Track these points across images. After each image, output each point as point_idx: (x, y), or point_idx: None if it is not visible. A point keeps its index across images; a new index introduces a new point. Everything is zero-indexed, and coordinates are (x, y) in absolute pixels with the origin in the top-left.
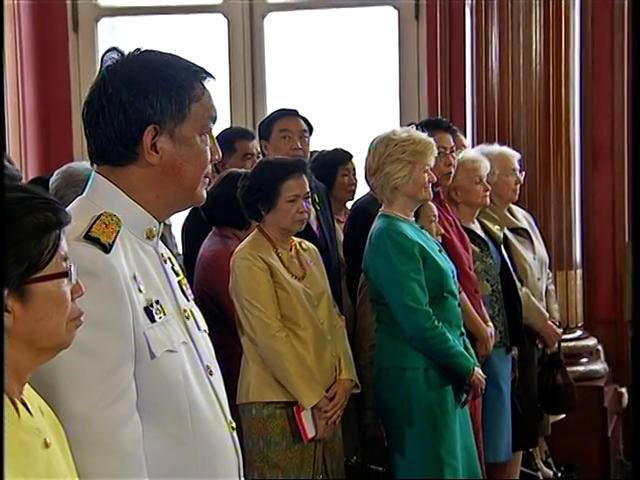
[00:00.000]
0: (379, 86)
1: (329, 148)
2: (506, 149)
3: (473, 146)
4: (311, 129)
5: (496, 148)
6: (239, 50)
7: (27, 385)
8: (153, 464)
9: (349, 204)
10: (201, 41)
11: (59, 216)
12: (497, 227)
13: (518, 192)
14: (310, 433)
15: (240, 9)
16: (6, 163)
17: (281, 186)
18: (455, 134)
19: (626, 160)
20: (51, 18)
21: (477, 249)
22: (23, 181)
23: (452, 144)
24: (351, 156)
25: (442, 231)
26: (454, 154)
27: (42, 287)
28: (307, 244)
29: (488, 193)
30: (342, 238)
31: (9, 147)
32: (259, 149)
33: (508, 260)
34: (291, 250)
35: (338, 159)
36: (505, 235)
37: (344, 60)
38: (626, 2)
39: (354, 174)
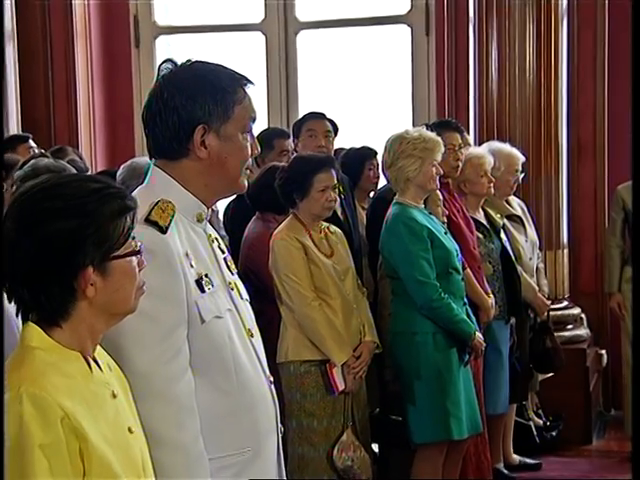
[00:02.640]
0: (394, 92)
1: (357, 145)
2: (515, 151)
3: (475, 143)
4: (336, 130)
5: (506, 147)
6: (275, 61)
7: (98, 346)
8: (204, 412)
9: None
10: (243, 54)
11: (129, 203)
12: (499, 215)
13: (514, 190)
14: (340, 386)
15: (276, 27)
16: (75, 158)
17: (313, 178)
18: (462, 133)
19: (606, 156)
20: (117, 36)
21: (481, 235)
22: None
23: (460, 142)
24: (376, 153)
25: (447, 213)
26: (462, 150)
27: (119, 263)
28: (334, 228)
29: (492, 185)
30: (365, 222)
31: (81, 146)
32: (294, 146)
33: (508, 244)
34: (321, 232)
35: (365, 155)
36: (503, 222)
37: (365, 70)
38: (607, 22)
39: (378, 168)
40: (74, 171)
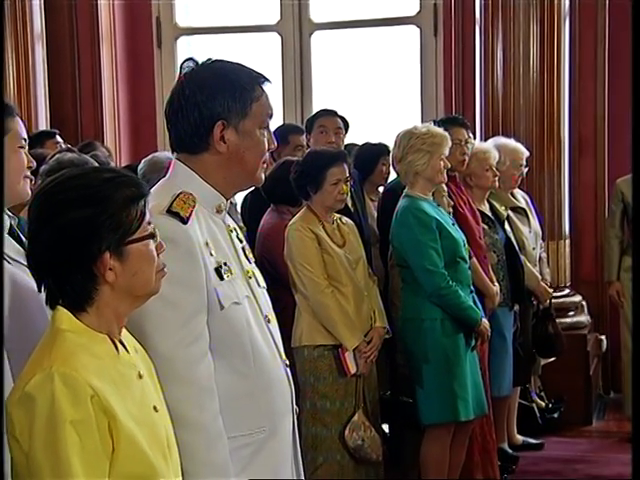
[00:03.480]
0: (404, 90)
1: (373, 141)
2: (520, 146)
3: (481, 139)
4: (347, 126)
5: (511, 143)
6: (290, 61)
7: (124, 330)
8: (223, 393)
9: (380, 188)
10: (260, 54)
11: (141, 189)
12: (503, 207)
13: (519, 183)
14: (352, 369)
15: (291, 28)
16: (97, 152)
17: (326, 172)
18: (468, 129)
19: (606, 151)
20: (140, 37)
21: (486, 226)
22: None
23: (466, 137)
24: (390, 150)
25: (452, 203)
26: (468, 145)
27: (135, 247)
28: (345, 219)
29: (497, 178)
30: (375, 214)
31: (106, 141)
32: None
33: (512, 235)
34: (333, 223)
35: (380, 151)
36: (508, 214)
37: (376, 68)
38: (607, 23)
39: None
40: (96, 164)
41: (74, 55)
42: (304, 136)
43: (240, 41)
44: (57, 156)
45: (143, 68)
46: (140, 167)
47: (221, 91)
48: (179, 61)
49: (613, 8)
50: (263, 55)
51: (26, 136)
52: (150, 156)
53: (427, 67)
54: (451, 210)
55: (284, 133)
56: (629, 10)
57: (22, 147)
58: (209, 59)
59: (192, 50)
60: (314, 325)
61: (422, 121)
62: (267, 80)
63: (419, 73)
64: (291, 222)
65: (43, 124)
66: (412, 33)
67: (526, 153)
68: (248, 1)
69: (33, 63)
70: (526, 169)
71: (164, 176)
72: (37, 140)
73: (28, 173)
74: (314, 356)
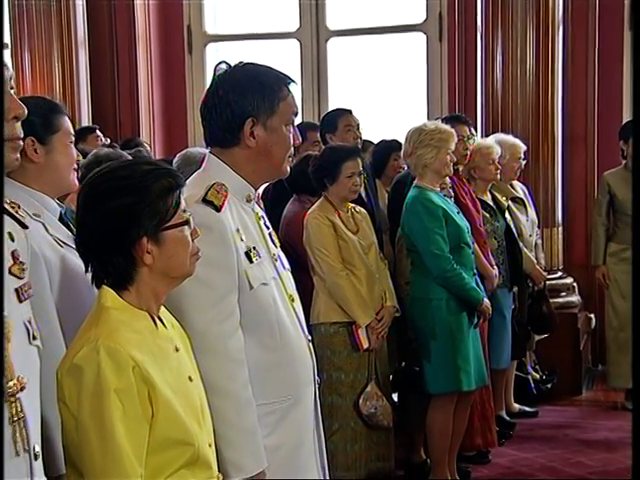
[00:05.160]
0: (412, 90)
1: (387, 138)
2: (518, 141)
3: (482, 135)
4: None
5: (511, 138)
6: (308, 65)
7: (162, 307)
8: (252, 365)
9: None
10: (281, 58)
11: (177, 180)
12: (504, 198)
13: (518, 175)
14: (365, 344)
15: (309, 35)
16: (140, 148)
17: (342, 165)
18: (470, 126)
19: (596, 146)
20: (172, 43)
21: (487, 215)
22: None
23: (468, 133)
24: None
25: (452, 194)
26: (470, 141)
27: (171, 233)
28: (359, 208)
29: (499, 171)
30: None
31: (142, 137)
32: (327, 139)
33: (511, 223)
34: (348, 212)
35: (393, 147)
36: (508, 204)
37: (386, 71)
38: (597, 32)
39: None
40: (129, 158)
41: (113, 60)
42: (319, 132)
43: (263, 47)
44: (94, 150)
45: (175, 71)
46: (175, 161)
47: (251, 91)
48: (208, 65)
49: (603, 10)
50: (284, 60)
51: (73, 132)
52: (184, 151)
53: (433, 70)
54: (452, 200)
55: (303, 130)
56: (615, 17)
57: (71, 142)
58: (240, 62)
59: (220, 55)
60: (330, 304)
61: (428, 119)
62: (293, 81)
63: (425, 75)
64: (309, 211)
65: (85, 121)
66: (419, 39)
67: (524, 147)
68: (270, 10)
69: (77, 66)
70: (524, 162)
71: (198, 169)
72: (80, 135)
73: (75, 166)
74: (330, 332)
